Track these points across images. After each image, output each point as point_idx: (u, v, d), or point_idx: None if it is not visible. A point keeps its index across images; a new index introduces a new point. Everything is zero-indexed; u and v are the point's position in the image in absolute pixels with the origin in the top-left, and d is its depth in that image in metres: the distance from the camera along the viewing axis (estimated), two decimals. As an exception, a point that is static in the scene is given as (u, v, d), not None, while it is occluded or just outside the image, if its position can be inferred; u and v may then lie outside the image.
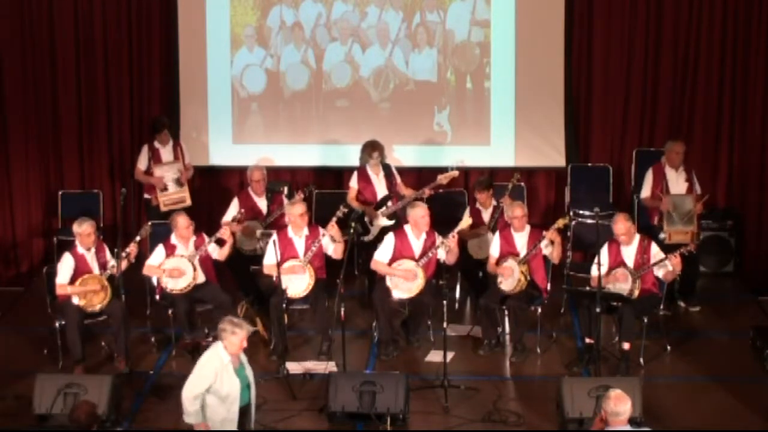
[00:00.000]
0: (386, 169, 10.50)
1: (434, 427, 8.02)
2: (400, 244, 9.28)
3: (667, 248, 9.18)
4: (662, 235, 9.89)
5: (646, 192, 10.21)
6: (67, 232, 10.19)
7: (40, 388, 7.81)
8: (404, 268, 9.14)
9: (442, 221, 9.94)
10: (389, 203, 10.31)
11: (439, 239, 9.21)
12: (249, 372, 7.32)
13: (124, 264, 9.02)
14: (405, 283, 9.14)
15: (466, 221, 9.42)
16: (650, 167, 10.30)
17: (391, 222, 10.21)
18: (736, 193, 11.39)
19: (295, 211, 9.30)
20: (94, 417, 7.01)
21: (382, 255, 9.30)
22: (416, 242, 9.29)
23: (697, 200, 9.94)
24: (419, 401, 8.31)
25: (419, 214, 9.24)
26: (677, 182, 10.12)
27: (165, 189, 10.76)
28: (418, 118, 11.55)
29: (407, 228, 9.37)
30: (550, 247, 9.20)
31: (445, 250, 9.15)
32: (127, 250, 9.02)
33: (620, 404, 6.46)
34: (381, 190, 10.40)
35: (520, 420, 8.09)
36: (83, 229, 8.97)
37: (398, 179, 10.55)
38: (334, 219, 9.36)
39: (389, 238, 9.36)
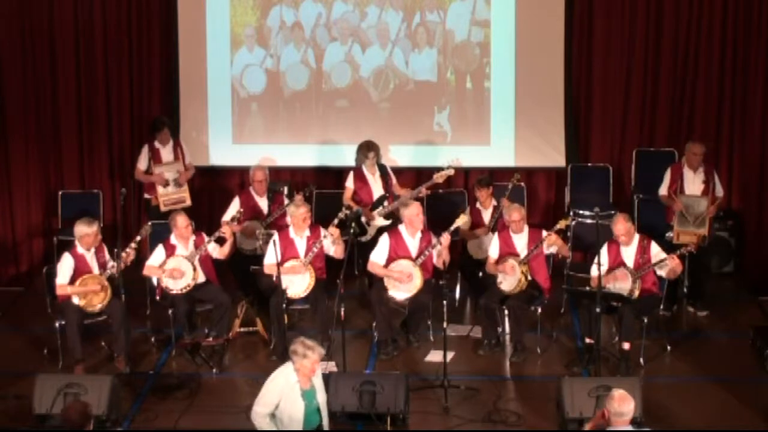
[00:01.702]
0: (382, 169, 10.51)
1: (434, 427, 8.02)
2: (396, 244, 9.28)
3: (674, 248, 9.17)
4: (669, 234, 9.89)
5: (663, 190, 10.20)
6: (67, 232, 10.18)
7: (40, 388, 7.80)
8: (400, 270, 9.14)
9: (441, 221, 9.95)
10: (385, 203, 10.31)
11: (434, 239, 9.21)
12: (321, 396, 7.17)
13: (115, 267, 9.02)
14: (402, 284, 9.15)
15: (462, 219, 9.41)
16: (670, 165, 10.28)
17: (388, 222, 10.22)
18: (736, 193, 11.38)
19: (299, 213, 9.30)
20: (87, 416, 6.96)
21: (377, 256, 9.30)
22: (412, 241, 9.29)
23: (712, 202, 9.91)
24: (419, 401, 8.31)
25: (413, 212, 9.25)
26: (693, 183, 10.08)
27: (166, 185, 10.75)
28: (418, 118, 11.55)
29: (402, 228, 9.37)
30: (554, 247, 9.21)
31: (437, 254, 9.15)
32: (126, 250, 9.01)
33: (624, 404, 6.46)
34: (377, 190, 10.41)
35: (520, 420, 8.09)
36: (92, 230, 8.97)
37: (394, 179, 10.55)
38: (336, 221, 9.36)
39: (384, 239, 9.36)
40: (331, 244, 9.32)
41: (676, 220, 9.90)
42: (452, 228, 9.30)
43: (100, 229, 9.24)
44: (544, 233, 9.18)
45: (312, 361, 6.99)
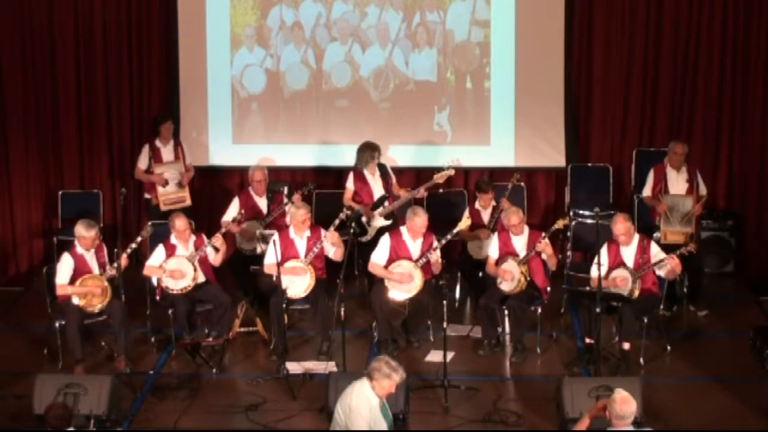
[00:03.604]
0: (382, 169, 10.48)
1: (434, 428, 8.02)
2: (397, 245, 9.27)
3: (663, 248, 9.18)
4: (657, 235, 9.89)
5: (646, 191, 10.23)
6: (67, 232, 10.18)
7: (40, 388, 7.79)
8: (400, 272, 9.13)
9: (441, 221, 9.94)
10: (386, 203, 10.30)
11: (436, 242, 9.19)
12: (388, 410, 7.12)
13: (115, 269, 9.00)
14: (403, 284, 9.15)
15: (464, 222, 9.43)
16: (653, 166, 10.30)
17: (388, 222, 10.21)
18: (737, 193, 11.38)
19: (299, 214, 9.28)
20: (68, 418, 6.94)
21: (378, 257, 9.30)
22: (413, 244, 9.28)
23: (696, 201, 9.94)
24: (419, 401, 8.30)
25: (418, 224, 9.20)
26: (677, 183, 10.11)
27: (166, 184, 10.76)
28: (417, 118, 11.54)
29: (403, 229, 9.36)
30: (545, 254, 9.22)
31: (433, 260, 9.14)
32: (114, 264, 8.97)
33: (626, 407, 6.45)
34: (377, 190, 10.38)
35: (520, 420, 8.09)
36: (91, 234, 8.95)
37: (394, 179, 10.53)
38: (337, 221, 9.35)
39: (385, 240, 9.35)
40: (330, 245, 9.32)
41: (662, 221, 9.91)
42: (454, 231, 9.29)
43: (100, 229, 9.24)
44: (541, 239, 9.16)
45: (394, 383, 6.91)
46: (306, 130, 11.61)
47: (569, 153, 11.44)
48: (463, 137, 11.53)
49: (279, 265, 8.86)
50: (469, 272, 10.09)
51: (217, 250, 9.36)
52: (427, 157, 11.46)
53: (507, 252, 9.25)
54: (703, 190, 10.18)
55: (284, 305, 8.94)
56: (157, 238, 9.53)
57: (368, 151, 10.39)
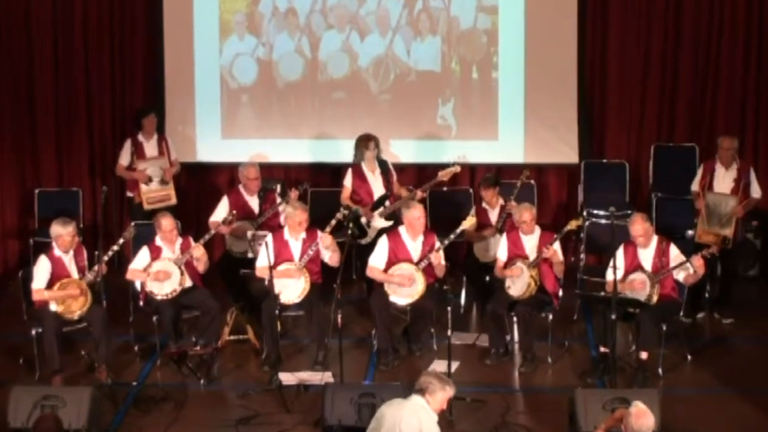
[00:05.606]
0: (383, 165, 10.46)
1: (438, 442, 8.02)
2: (395, 246, 9.27)
3: (695, 247, 9.16)
4: (690, 233, 9.88)
5: (694, 186, 10.19)
6: (44, 234, 10.17)
7: (15, 401, 7.78)
8: (401, 274, 9.14)
9: (445, 221, 9.94)
10: (387, 203, 10.28)
11: (437, 243, 9.20)
12: None
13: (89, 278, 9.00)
14: (404, 289, 9.14)
15: (469, 221, 9.43)
16: (704, 161, 10.29)
17: (389, 223, 10.19)
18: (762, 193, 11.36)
19: (295, 215, 9.26)
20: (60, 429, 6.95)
21: (377, 260, 9.30)
22: (413, 244, 9.28)
23: (740, 202, 9.86)
24: (422, 414, 8.30)
25: (414, 215, 9.23)
26: (723, 180, 10.03)
27: (149, 181, 10.74)
28: (420, 111, 11.55)
29: (402, 229, 9.36)
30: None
31: (435, 263, 9.14)
32: (95, 268, 8.96)
33: (643, 421, 6.43)
34: (377, 188, 10.37)
35: (529, 434, 8.11)
36: (68, 231, 8.94)
37: (395, 177, 10.51)
38: (334, 222, 9.34)
39: (383, 241, 9.35)
40: (325, 248, 9.31)
41: (701, 219, 9.89)
42: (458, 230, 9.30)
43: (80, 230, 9.23)
44: (557, 241, 9.17)
45: (448, 396, 6.93)
46: (300, 124, 11.62)
47: (582, 148, 11.45)
48: (468, 131, 11.54)
49: (271, 268, 8.86)
50: (475, 276, 10.10)
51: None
52: (430, 152, 11.47)
53: (516, 254, 9.25)
54: (755, 191, 10.05)
55: (277, 311, 8.95)
56: (140, 240, 9.53)
57: (363, 142, 10.36)
